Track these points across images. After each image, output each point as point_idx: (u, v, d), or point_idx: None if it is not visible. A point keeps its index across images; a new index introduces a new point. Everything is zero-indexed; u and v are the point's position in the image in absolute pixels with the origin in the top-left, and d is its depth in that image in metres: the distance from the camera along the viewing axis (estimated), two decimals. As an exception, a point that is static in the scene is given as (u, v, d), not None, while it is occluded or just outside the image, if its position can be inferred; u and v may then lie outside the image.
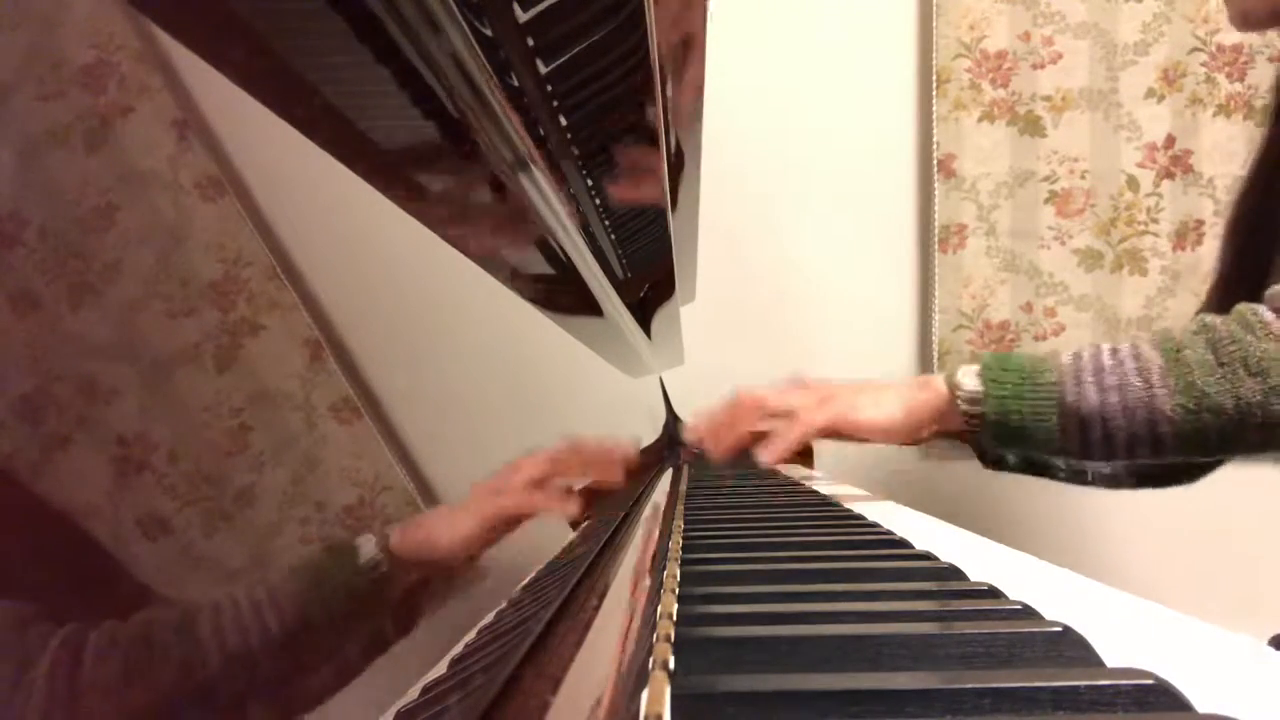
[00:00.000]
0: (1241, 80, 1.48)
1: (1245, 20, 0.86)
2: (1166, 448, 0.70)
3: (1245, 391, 0.67)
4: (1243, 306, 0.71)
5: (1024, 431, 0.73)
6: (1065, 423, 0.71)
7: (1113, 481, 0.91)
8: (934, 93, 1.51)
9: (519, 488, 0.51)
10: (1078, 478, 0.89)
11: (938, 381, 0.78)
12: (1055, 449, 0.73)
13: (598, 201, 0.52)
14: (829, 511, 0.71)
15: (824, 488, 0.89)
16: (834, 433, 0.80)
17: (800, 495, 0.78)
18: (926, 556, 0.47)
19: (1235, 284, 0.96)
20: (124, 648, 0.23)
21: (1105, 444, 0.71)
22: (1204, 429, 0.68)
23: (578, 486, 0.56)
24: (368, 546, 0.37)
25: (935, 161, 1.51)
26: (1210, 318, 0.72)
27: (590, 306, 0.69)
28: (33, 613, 0.21)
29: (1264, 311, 0.70)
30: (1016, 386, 0.73)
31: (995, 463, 0.88)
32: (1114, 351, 0.72)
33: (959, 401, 0.75)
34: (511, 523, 0.48)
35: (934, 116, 1.51)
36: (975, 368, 0.76)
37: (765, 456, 0.78)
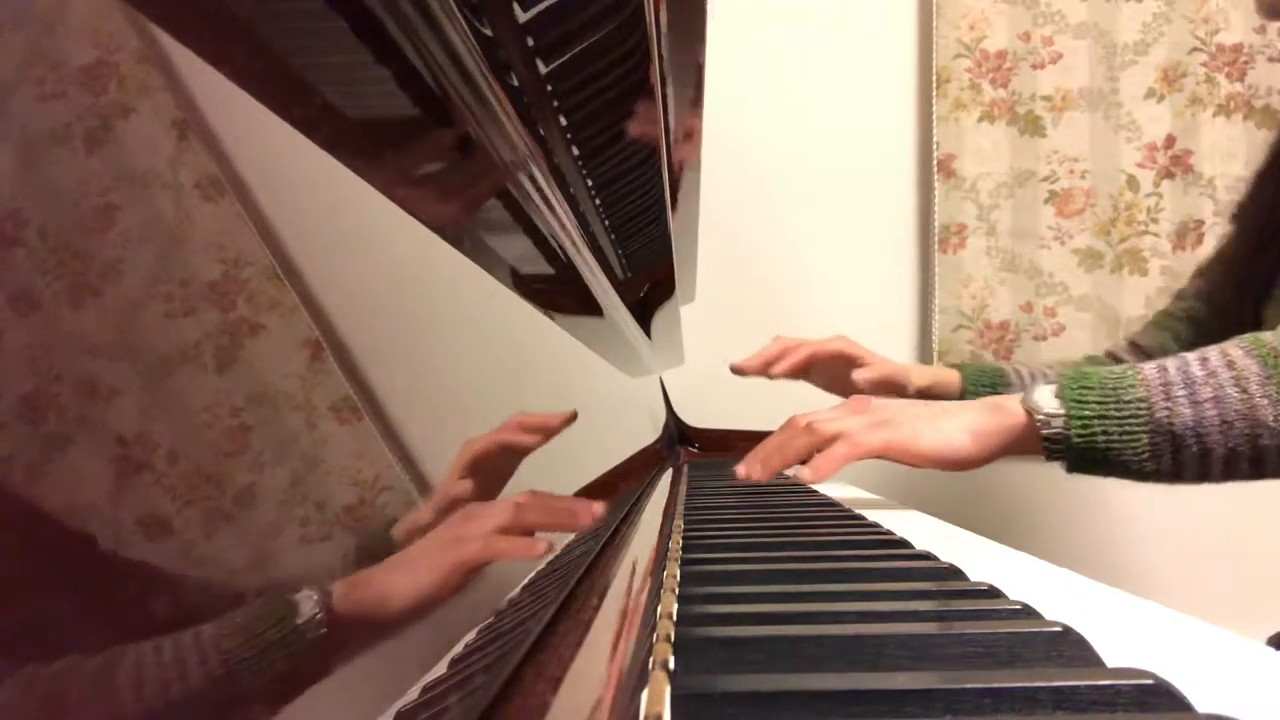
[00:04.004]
0: (1241, 80, 1.48)
1: (1273, 10, 0.85)
2: (1268, 464, 0.66)
3: None
4: None
5: (1110, 454, 0.67)
6: (1157, 442, 0.66)
7: None
8: (934, 93, 1.51)
9: (481, 535, 0.47)
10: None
11: (1011, 404, 0.71)
12: (1145, 472, 0.68)
13: (598, 201, 0.52)
14: (829, 512, 0.71)
15: (824, 488, 0.89)
16: (886, 457, 0.74)
17: (800, 496, 0.78)
18: (926, 556, 0.48)
19: (1243, 261, 0.93)
20: (36, 700, 0.22)
21: (1200, 463, 0.66)
22: None
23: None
24: (307, 604, 0.34)
25: (935, 161, 1.51)
26: None
27: (590, 306, 0.69)
28: None
29: None
30: (1101, 405, 0.67)
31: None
32: (1203, 361, 0.67)
33: (1039, 426, 0.69)
34: (473, 573, 0.45)
35: (934, 116, 1.51)
36: (1051, 388, 0.70)
37: (807, 474, 0.72)
